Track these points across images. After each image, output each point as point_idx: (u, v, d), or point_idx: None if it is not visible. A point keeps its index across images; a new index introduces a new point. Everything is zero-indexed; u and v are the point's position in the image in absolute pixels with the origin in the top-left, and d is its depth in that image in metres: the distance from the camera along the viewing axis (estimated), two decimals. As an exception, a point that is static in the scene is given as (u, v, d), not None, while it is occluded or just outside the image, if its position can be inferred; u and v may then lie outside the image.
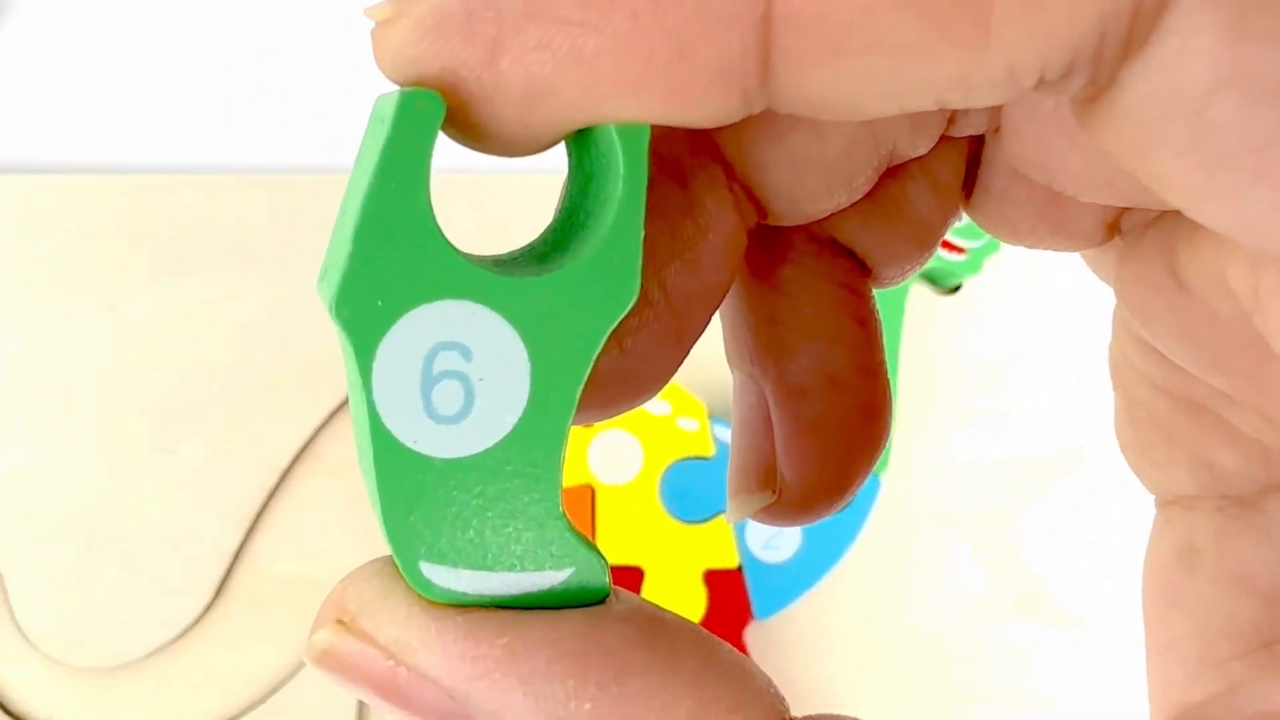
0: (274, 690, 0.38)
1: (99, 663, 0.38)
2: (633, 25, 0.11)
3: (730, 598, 0.37)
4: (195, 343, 0.39)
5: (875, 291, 0.19)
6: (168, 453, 0.38)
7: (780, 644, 0.39)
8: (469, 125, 0.11)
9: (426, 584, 0.12)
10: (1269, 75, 0.10)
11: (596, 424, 0.37)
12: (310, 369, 0.39)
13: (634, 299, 0.12)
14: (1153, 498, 0.24)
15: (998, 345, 0.41)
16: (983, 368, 0.41)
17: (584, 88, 0.11)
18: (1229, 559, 0.15)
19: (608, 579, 0.13)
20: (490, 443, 0.12)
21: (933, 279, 0.41)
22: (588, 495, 0.38)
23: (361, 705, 0.39)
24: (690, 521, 0.37)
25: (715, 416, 0.38)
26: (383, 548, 0.15)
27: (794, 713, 0.16)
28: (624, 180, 0.11)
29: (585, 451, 0.38)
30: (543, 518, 0.12)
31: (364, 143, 0.12)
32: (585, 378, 0.12)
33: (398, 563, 0.12)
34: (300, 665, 0.39)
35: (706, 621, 0.37)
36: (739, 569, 0.38)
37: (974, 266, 0.39)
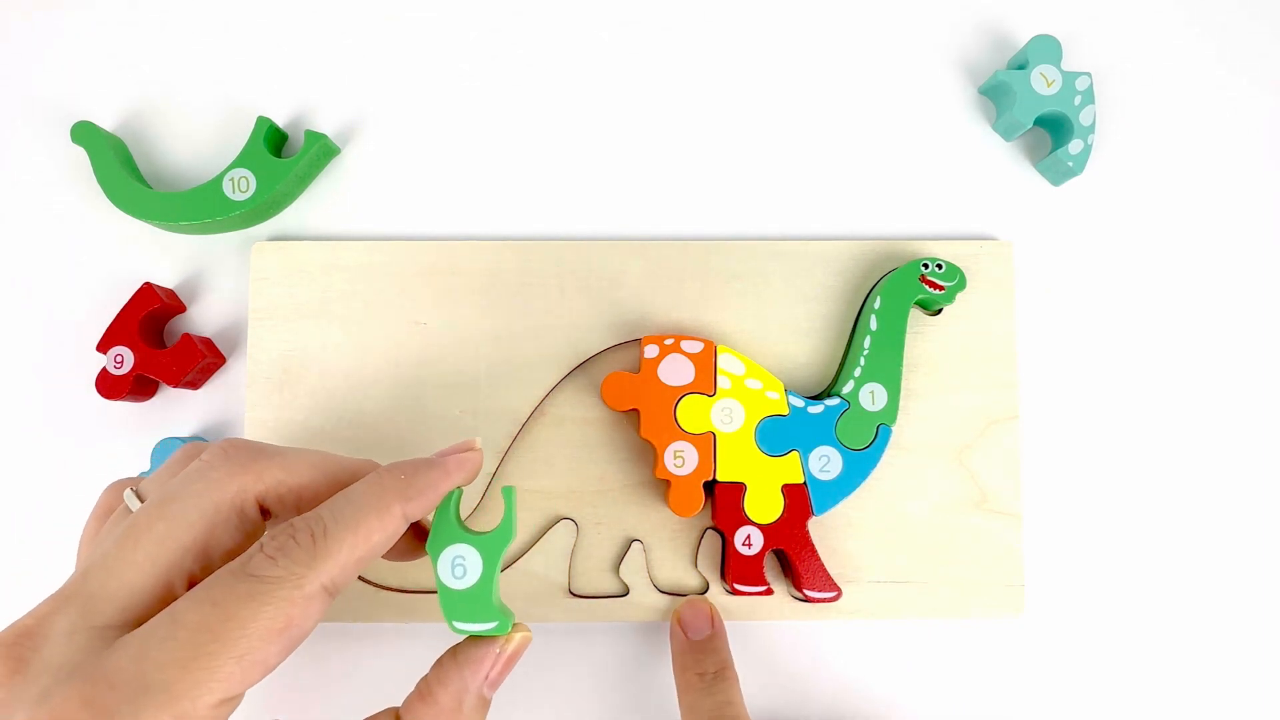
0: (516, 557, 0.42)
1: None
2: None
3: (798, 502, 0.40)
4: (467, 343, 0.43)
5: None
6: (451, 409, 0.43)
7: (830, 530, 0.42)
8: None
9: (454, 628, 0.28)
10: None
11: (717, 394, 0.40)
12: (537, 361, 0.43)
13: (513, 538, 0.29)
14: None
15: (962, 346, 0.44)
16: (952, 359, 0.43)
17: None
18: None
19: (510, 624, 0.29)
20: (470, 585, 0.28)
21: (923, 305, 0.43)
22: (710, 440, 0.40)
23: (571, 567, 0.41)
24: (773, 455, 0.41)
25: (789, 390, 0.41)
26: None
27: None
28: (505, 513, 0.30)
29: (709, 411, 0.40)
30: (488, 608, 0.28)
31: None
32: (498, 566, 0.28)
33: (447, 621, 0.28)
34: (528, 538, 0.42)
35: (783, 517, 0.40)
36: (804, 484, 0.40)
37: (949, 298, 0.42)
